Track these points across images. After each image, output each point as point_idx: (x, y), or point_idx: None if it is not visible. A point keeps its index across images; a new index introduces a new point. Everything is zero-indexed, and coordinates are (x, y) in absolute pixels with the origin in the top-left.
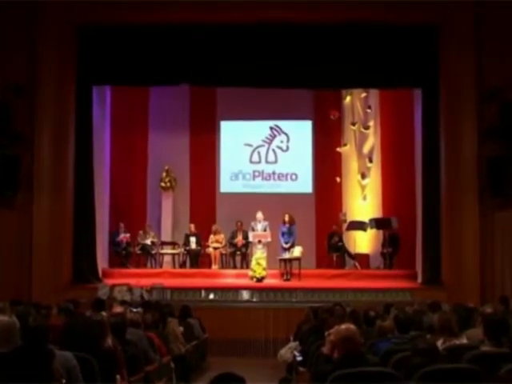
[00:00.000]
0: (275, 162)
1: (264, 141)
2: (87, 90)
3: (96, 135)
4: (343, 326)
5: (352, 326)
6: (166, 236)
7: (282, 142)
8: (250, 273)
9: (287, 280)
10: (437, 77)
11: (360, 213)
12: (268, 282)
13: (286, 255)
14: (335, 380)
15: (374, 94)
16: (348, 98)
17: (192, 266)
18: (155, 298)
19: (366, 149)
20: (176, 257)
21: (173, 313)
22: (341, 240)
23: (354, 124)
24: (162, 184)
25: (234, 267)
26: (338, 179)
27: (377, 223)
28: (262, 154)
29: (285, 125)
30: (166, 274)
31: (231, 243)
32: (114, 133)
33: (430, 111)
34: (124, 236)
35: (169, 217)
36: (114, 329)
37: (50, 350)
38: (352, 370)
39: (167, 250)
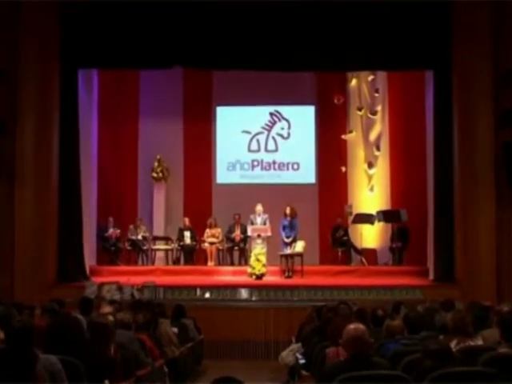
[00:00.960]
0: (275, 150)
1: (263, 128)
2: (72, 73)
3: (82, 122)
4: (351, 326)
5: (361, 326)
6: (159, 230)
7: (282, 128)
8: (249, 269)
9: (289, 277)
10: (450, 58)
11: (367, 205)
12: (268, 279)
13: (288, 250)
14: (342, 383)
15: (382, 76)
16: (354, 81)
17: (186, 263)
18: (147, 297)
19: (373, 136)
20: (169, 253)
21: (166, 313)
22: (346, 234)
23: (360, 109)
24: (154, 174)
25: (232, 264)
26: (343, 169)
27: (385, 216)
28: (262, 141)
29: (286, 110)
30: (158, 272)
31: (228, 238)
32: (102, 119)
33: (443, 95)
34: (113, 231)
35: (161, 210)
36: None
37: (34, 353)
38: (360, 372)
39: (160, 245)
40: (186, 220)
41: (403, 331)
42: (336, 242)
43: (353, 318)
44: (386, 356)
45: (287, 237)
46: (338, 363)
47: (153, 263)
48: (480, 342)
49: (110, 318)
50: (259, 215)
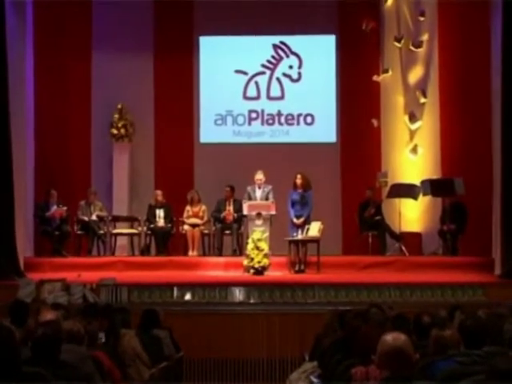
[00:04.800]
0: (281, 97)
1: (265, 66)
2: None
3: (12, 61)
4: (388, 336)
5: (402, 336)
6: (120, 208)
7: (291, 67)
8: (246, 261)
9: (300, 271)
10: None
11: (408, 172)
12: (272, 274)
13: (299, 235)
14: None
15: None
16: (390, 0)
17: (159, 253)
18: (104, 299)
19: (416, 77)
20: (135, 239)
21: (130, 321)
22: (379, 212)
23: (398, 40)
24: (114, 131)
25: (221, 254)
26: (374, 122)
27: (433, 187)
28: (262, 85)
29: (295, 42)
30: (120, 265)
31: (217, 218)
32: (40, 54)
33: None
34: (57, 209)
35: (123, 180)
36: (42, 345)
37: None
38: None
39: (122, 228)
40: (159, 194)
41: (458, 344)
42: (365, 223)
43: (389, 327)
44: (434, 378)
45: (298, 216)
46: None
47: (113, 253)
48: None
49: None
50: (259, 187)
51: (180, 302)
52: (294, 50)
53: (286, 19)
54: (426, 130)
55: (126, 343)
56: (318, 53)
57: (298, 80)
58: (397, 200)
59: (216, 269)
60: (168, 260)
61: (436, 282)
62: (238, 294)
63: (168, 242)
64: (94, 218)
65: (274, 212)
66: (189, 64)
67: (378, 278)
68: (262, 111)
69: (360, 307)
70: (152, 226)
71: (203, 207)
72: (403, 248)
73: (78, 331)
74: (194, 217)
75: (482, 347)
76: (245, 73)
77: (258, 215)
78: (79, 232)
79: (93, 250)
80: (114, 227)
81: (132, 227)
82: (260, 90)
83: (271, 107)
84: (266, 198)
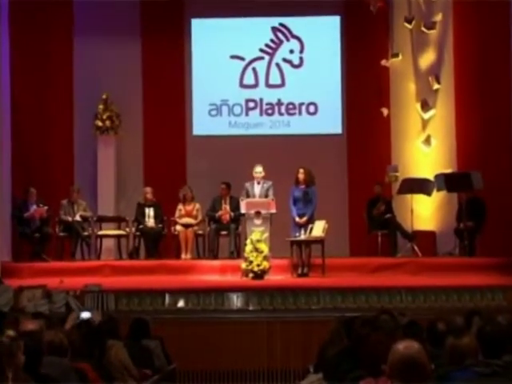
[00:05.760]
0: (281, 85)
1: (263, 51)
2: None
3: None
4: (400, 345)
5: (415, 345)
6: (106, 207)
7: (292, 51)
8: (244, 265)
9: (303, 275)
10: None
11: (420, 165)
12: (272, 278)
13: (301, 235)
14: None
15: None
16: None
17: (149, 256)
18: (90, 307)
19: (429, 61)
20: (123, 241)
21: (118, 331)
22: (389, 209)
23: (409, 20)
24: (98, 123)
25: (216, 256)
26: (384, 111)
27: (448, 182)
28: (261, 72)
29: (297, 23)
30: (106, 269)
31: (212, 217)
32: (16, 40)
33: None
34: (37, 209)
35: (110, 176)
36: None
37: None
38: None
39: (108, 229)
40: (148, 191)
41: (477, 354)
42: (374, 221)
43: (400, 335)
44: None
45: (300, 215)
46: None
47: (98, 257)
48: None
49: None
50: (258, 183)
51: (172, 310)
52: (294, 32)
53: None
54: (440, 119)
55: (113, 355)
56: (322, 36)
57: (299, 66)
58: (408, 196)
59: (211, 273)
60: (159, 264)
61: (452, 286)
62: (236, 301)
63: (159, 244)
64: (77, 218)
65: (274, 210)
66: (180, 49)
67: (389, 282)
68: (261, 100)
69: (369, 314)
70: (141, 226)
71: (197, 206)
72: (416, 248)
73: (60, 342)
74: (186, 216)
75: (503, 356)
76: (241, 58)
77: (257, 214)
78: (61, 234)
79: (76, 253)
80: (100, 228)
81: (119, 228)
82: (258, 77)
83: (270, 96)
84: (266, 195)
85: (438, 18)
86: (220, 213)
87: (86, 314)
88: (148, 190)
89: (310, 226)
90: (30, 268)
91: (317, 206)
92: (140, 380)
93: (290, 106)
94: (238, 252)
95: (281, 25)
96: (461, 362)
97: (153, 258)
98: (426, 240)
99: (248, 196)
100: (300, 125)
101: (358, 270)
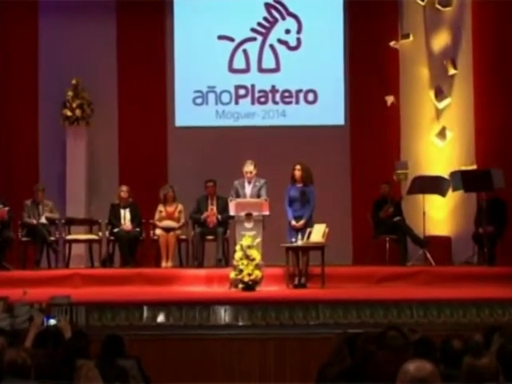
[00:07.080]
0: (276, 69)
1: (255, 30)
2: None
3: None
4: (410, 365)
5: (428, 365)
6: (76, 209)
7: (288, 31)
8: (233, 274)
9: (300, 286)
10: None
11: (434, 162)
12: (265, 289)
13: (298, 241)
14: None
15: None
16: None
17: (125, 263)
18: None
19: (444, 43)
20: (95, 246)
21: (89, 349)
22: (399, 212)
23: None
24: (67, 112)
25: (202, 264)
26: (388, 99)
27: (466, 180)
28: (252, 54)
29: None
30: (76, 279)
31: (196, 220)
32: None
33: None
34: None
35: (80, 173)
36: None
37: None
38: None
39: (78, 234)
40: (124, 190)
41: (497, 375)
42: (381, 225)
43: (411, 354)
44: None
45: (297, 217)
46: None
47: (67, 265)
48: None
49: None
50: (249, 181)
51: (151, 326)
52: (291, 10)
53: None
54: (457, 108)
55: (83, 376)
56: (322, 14)
57: (296, 48)
58: (420, 197)
59: (196, 283)
60: (136, 273)
61: (469, 299)
62: (224, 315)
63: (136, 250)
64: (42, 220)
65: (267, 212)
66: (161, 29)
67: (397, 294)
68: (252, 87)
69: (374, 330)
70: (116, 230)
71: (179, 207)
72: (428, 256)
73: (23, 362)
74: (167, 219)
75: None
76: (231, 39)
77: (248, 216)
78: (24, 238)
79: (42, 260)
80: (68, 232)
81: (90, 232)
82: (249, 61)
83: (263, 82)
84: (258, 195)
85: None
86: (205, 215)
87: (52, 321)
88: (124, 188)
89: (307, 230)
90: None
91: (315, 208)
92: None
93: (286, 94)
94: (226, 260)
95: (275, 1)
96: (480, 383)
97: (129, 266)
98: (439, 247)
99: (238, 196)
100: (297, 115)
101: (363, 281)
